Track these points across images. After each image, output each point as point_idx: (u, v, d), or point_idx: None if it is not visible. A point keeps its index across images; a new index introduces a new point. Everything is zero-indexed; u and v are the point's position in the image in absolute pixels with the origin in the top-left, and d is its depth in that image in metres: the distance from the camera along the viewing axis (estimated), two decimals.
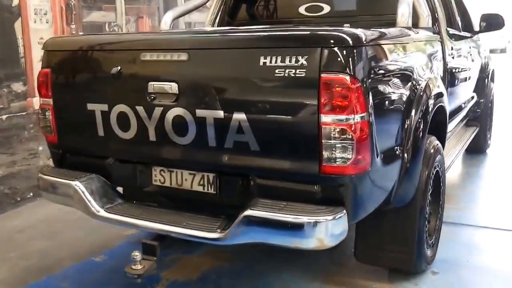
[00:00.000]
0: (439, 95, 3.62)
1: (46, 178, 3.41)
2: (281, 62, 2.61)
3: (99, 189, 3.27)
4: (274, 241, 2.74)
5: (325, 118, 2.58)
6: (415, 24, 3.82)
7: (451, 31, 4.71)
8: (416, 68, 3.34)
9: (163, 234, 3.11)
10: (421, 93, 3.29)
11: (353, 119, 2.56)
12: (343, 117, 2.56)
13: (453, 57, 4.45)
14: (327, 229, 2.60)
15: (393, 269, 3.68)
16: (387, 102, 2.90)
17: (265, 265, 3.86)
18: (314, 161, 2.64)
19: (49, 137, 3.50)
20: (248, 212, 2.70)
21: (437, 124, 3.66)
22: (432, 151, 3.51)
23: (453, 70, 4.45)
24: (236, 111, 2.76)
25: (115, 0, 6.56)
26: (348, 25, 2.93)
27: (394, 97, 2.98)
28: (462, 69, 4.85)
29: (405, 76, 3.20)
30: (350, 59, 2.56)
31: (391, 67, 3.02)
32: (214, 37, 3.24)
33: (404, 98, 3.12)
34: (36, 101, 5.32)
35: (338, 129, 2.57)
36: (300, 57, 2.57)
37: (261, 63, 2.66)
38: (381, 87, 2.83)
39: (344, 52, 2.55)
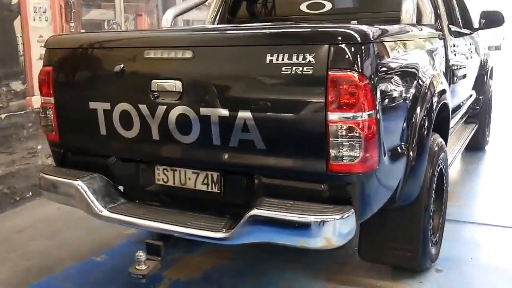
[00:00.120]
0: (443, 92, 3.62)
1: (48, 177, 3.38)
2: (288, 59, 2.58)
3: (101, 189, 3.24)
4: (280, 240, 2.71)
5: (333, 116, 2.55)
6: (418, 21, 3.81)
7: (452, 28, 4.70)
8: (421, 65, 3.33)
9: (167, 234, 3.08)
10: (426, 90, 3.28)
11: (361, 116, 2.54)
12: (350, 114, 2.54)
13: (454, 54, 4.44)
14: (335, 229, 2.57)
15: (396, 267, 3.67)
16: (393, 99, 2.88)
17: (268, 264, 3.84)
18: (321, 159, 2.62)
19: (51, 136, 3.47)
20: (255, 211, 2.67)
21: (440, 122, 3.65)
22: (436, 148, 3.50)
23: (455, 67, 4.44)
24: (242, 109, 2.73)
25: None
26: (355, 21, 2.90)
27: (400, 94, 2.97)
28: (463, 66, 4.85)
29: (411, 73, 3.19)
30: (358, 56, 2.54)
31: (397, 64, 3.00)
32: (220, 35, 3.20)
33: (410, 95, 3.10)
34: (35, 100, 5.29)
35: (345, 127, 2.55)
36: (307, 54, 2.55)
37: (267, 61, 2.63)
38: (388, 84, 2.81)
39: (352, 49, 2.53)
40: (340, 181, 2.66)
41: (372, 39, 2.66)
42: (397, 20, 3.57)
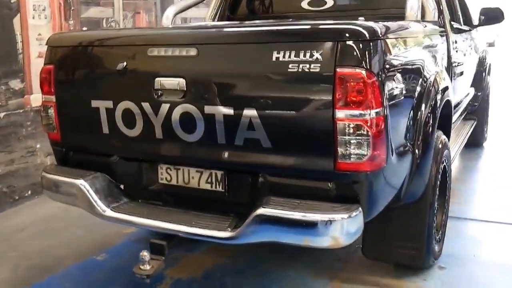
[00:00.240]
0: (446, 88, 3.61)
1: (50, 176, 3.34)
2: (294, 56, 2.55)
3: (104, 188, 3.20)
4: (287, 240, 2.68)
5: (340, 114, 2.53)
6: (422, 17, 3.80)
7: (454, 24, 4.69)
8: (426, 62, 3.32)
9: (171, 234, 3.05)
10: (430, 87, 3.27)
11: (369, 114, 2.52)
12: (358, 112, 2.51)
13: (456, 51, 4.43)
14: (343, 228, 2.55)
15: (399, 264, 3.66)
16: (400, 96, 2.85)
17: (269, 263, 3.82)
18: (328, 157, 2.59)
19: (52, 135, 3.43)
20: (261, 210, 2.64)
21: (443, 119, 3.64)
22: (440, 146, 3.49)
23: (456, 64, 4.43)
24: (247, 107, 2.70)
25: None
26: (363, 18, 2.88)
27: (406, 91, 2.94)
28: (464, 62, 4.85)
29: (417, 70, 3.18)
30: (366, 53, 2.51)
31: (404, 61, 2.99)
32: (225, 32, 3.17)
33: (416, 92, 3.09)
34: (33, 98, 5.25)
35: (353, 125, 2.52)
36: (314, 51, 2.52)
37: (273, 58, 2.60)
38: (395, 81, 2.78)
39: (360, 45, 2.50)
40: (347, 179, 2.63)
41: (380, 35, 2.63)
42: (398, 17, 3.55)
